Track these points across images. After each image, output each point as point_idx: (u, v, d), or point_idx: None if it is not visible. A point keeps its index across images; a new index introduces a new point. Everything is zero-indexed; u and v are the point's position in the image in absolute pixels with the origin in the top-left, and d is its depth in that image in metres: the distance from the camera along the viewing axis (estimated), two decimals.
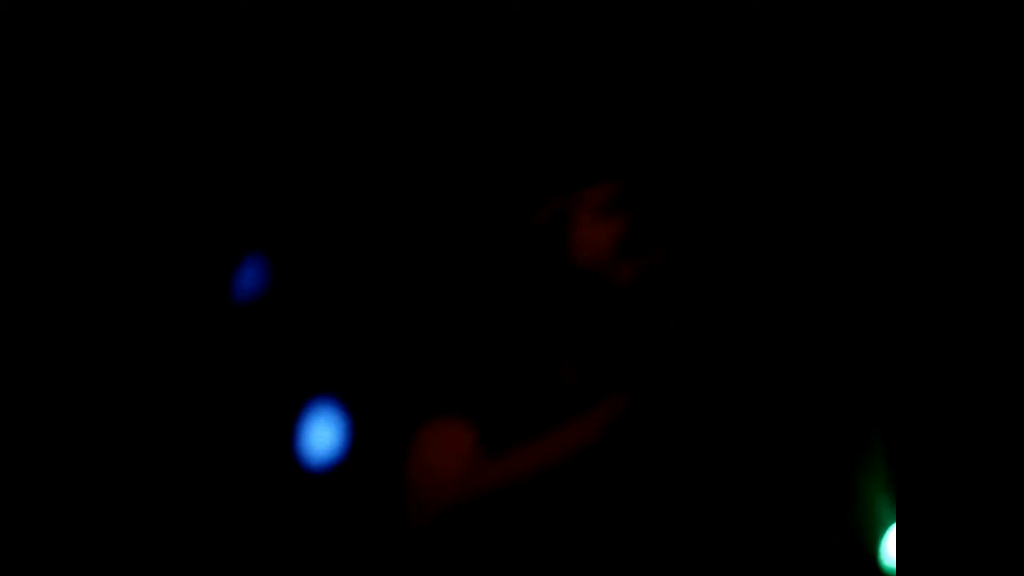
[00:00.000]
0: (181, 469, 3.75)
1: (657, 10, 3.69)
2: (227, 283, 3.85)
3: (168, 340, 3.80)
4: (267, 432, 3.78)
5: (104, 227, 3.77)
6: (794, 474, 3.14)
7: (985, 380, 3.25)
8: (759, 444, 2.54)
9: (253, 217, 3.83)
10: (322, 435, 3.80)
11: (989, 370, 3.12)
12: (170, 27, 3.62)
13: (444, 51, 3.77)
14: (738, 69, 3.72)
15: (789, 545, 2.71)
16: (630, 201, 2.53)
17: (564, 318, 2.51)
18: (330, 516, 3.73)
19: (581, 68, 3.77)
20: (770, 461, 2.62)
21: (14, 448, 3.60)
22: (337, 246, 3.85)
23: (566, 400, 2.47)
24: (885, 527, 3.36)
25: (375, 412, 3.80)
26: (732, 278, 2.99)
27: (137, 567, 3.66)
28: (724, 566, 2.44)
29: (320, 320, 3.85)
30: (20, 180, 3.63)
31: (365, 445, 3.78)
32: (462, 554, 2.33)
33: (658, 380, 2.37)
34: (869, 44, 3.62)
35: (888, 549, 3.33)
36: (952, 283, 3.45)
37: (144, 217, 3.79)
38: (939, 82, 3.35)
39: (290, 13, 3.67)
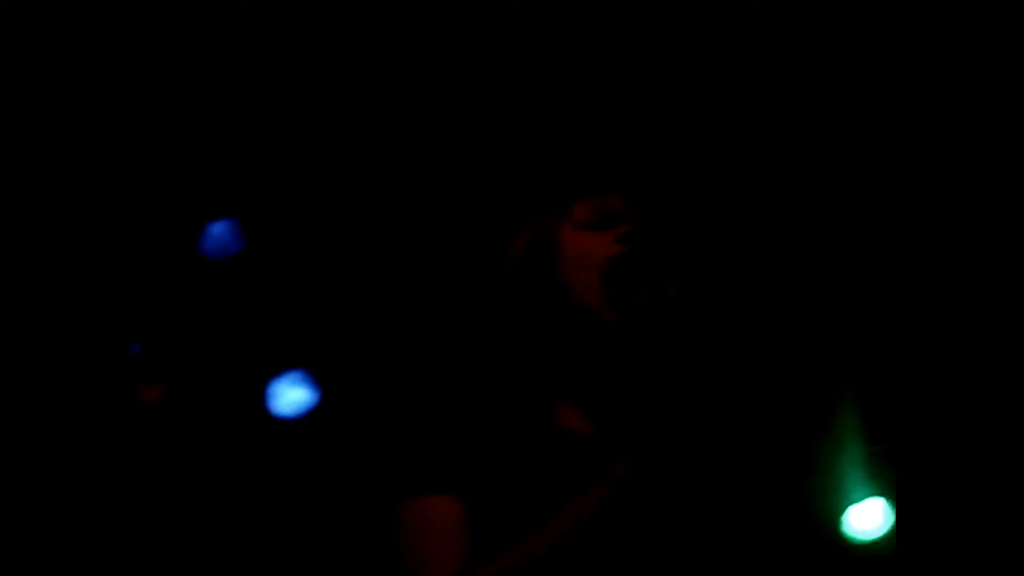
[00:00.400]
0: (151, 418, 3.74)
1: (646, 17, 3.65)
2: (198, 239, 3.84)
3: (139, 293, 3.80)
4: (237, 383, 3.78)
5: (80, 187, 3.76)
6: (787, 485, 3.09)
7: (965, 369, 3.28)
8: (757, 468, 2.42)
9: (233, 180, 3.82)
10: (291, 388, 3.80)
11: (968, 358, 3.15)
12: None
13: (429, 42, 3.75)
14: (730, 75, 3.67)
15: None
16: (621, 214, 2.35)
17: (560, 353, 2.33)
18: (300, 465, 3.73)
19: (565, 76, 3.72)
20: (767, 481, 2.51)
21: None
22: (319, 222, 3.84)
23: (563, 445, 2.31)
24: (851, 500, 3.36)
25: (342, 375, 3.80)
26: (730, 304, 2.65)
27: (110, 516, 3.66)
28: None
29: (291, 285, 3.84)
30: None
31: (333, 401, 3.77)
32: None
33: (661, 445, 2.25)
34: (866, 45, 3.56)
35: (853, 520, 3.33)
36: (930, 276, 3.49)
37: (121, 176, 3.78)
38: (937, 83, 3.38)
39: None
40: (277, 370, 3.83)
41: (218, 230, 3.84)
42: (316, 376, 3.80)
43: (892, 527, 3.26)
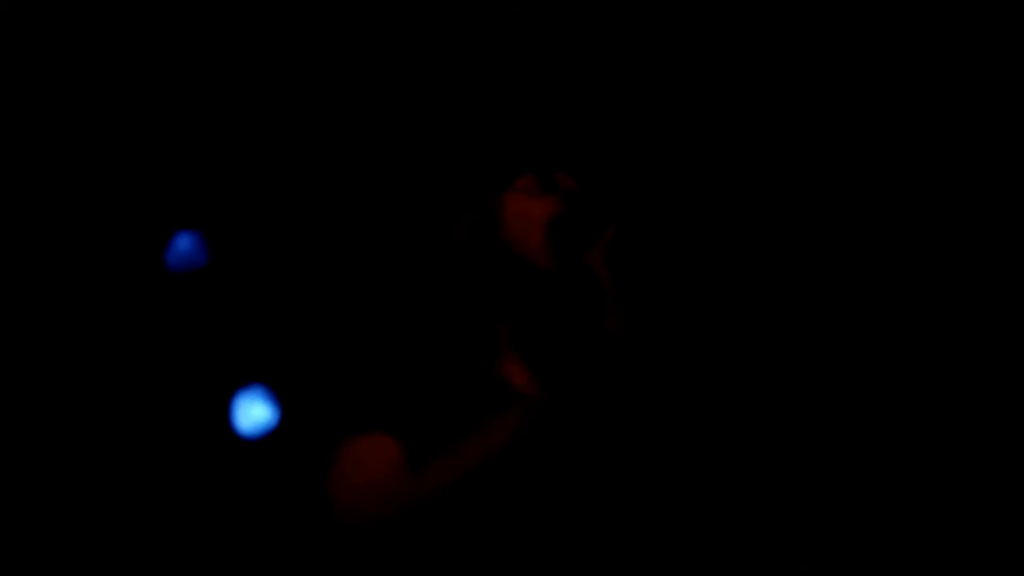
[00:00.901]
0: (111, 433, 3.65)
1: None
2: (162, 252, 3.75)
3: (101, 306, 3.71)
4: (199, 400, 3.66)
5: (42, 198, 3.71)
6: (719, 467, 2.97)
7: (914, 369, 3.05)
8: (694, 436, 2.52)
9: (195, 190, 3.74)
10: (253, 406, 3.66)
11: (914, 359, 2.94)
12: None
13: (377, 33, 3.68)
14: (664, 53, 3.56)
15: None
16: (562, 183, 2.51)
17: (502, 303, 2.47)
18: (261, 485, 3.59)
19: (515, 58, 3.63)
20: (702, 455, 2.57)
21: None
22: (280, 227, 3.74)
23: (502, 395, 2.42)
24: None
25: (304, 392, 3.66)
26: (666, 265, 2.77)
27: (69, 527, 3.56)
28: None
29: (254, 296, 3.72)
30: None
31: (295, 420, 3.63)
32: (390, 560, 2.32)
33: (582, 378, 2.34)
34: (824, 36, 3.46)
35: None
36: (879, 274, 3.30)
37: (83, 186, 3.72)
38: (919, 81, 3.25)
39: None
40: (240, 387, 3.68)
41: (183, 243, 3.73)
42: (279, 394, 3.64)
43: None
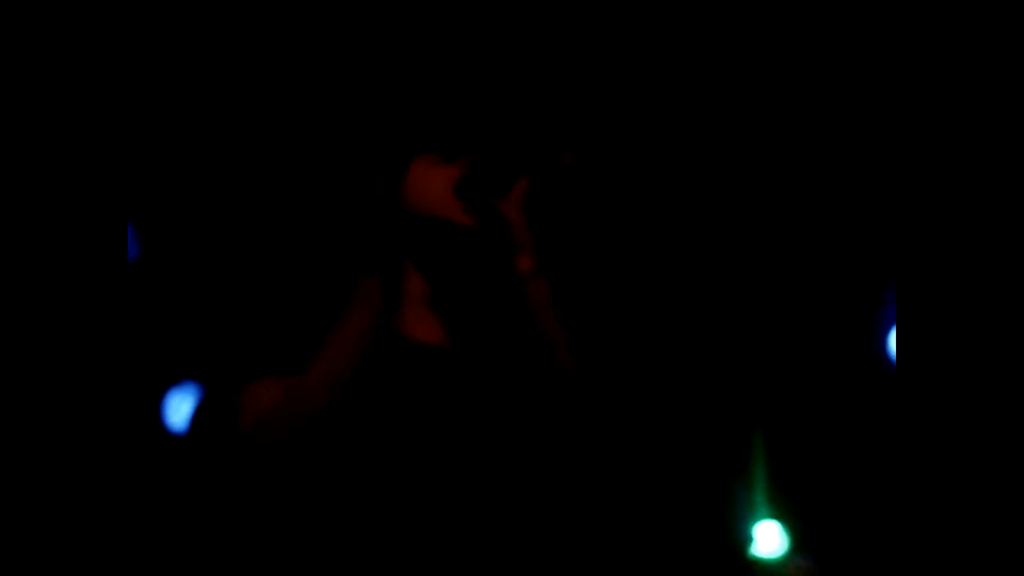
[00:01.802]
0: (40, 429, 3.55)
1: None
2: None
3: (29, 298, 3.52)
4: (130, 396, 3.67)
5: None
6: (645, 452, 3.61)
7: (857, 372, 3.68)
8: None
9: (129, 185, 3.58)
10: (182, 400, 3.75)
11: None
12: None
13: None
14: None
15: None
16: (464, 153, 2.62)
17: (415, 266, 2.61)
18: (191, 476, 3.73)
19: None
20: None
21: None
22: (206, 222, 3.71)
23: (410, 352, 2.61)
24: (756, 519, 3.89)
25: (225, 379, 3.78)
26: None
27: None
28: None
29: (183, 291, 3.72)
30: None
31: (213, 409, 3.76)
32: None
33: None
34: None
35: (760, 541, 3.88)
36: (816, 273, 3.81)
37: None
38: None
39: None
40: (172, 382, 3.74)
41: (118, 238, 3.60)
42: (209, 388, 3.75)
43: (790, 549, 3.87)
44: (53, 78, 3.31)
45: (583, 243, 2.79)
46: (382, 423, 2.52)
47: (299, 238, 3.75)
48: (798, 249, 3.92)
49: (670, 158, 3.88)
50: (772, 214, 3.87)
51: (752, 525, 3.84)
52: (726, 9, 3.78)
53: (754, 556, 3.88)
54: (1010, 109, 2.40)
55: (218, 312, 3.73)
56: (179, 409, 3.69)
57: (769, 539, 3.86)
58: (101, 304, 3.51)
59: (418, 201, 2.59)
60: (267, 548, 2.60)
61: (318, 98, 3.75)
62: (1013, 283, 2.36)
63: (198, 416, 3.70)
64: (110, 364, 3.48)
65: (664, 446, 3.27)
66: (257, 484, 2.58)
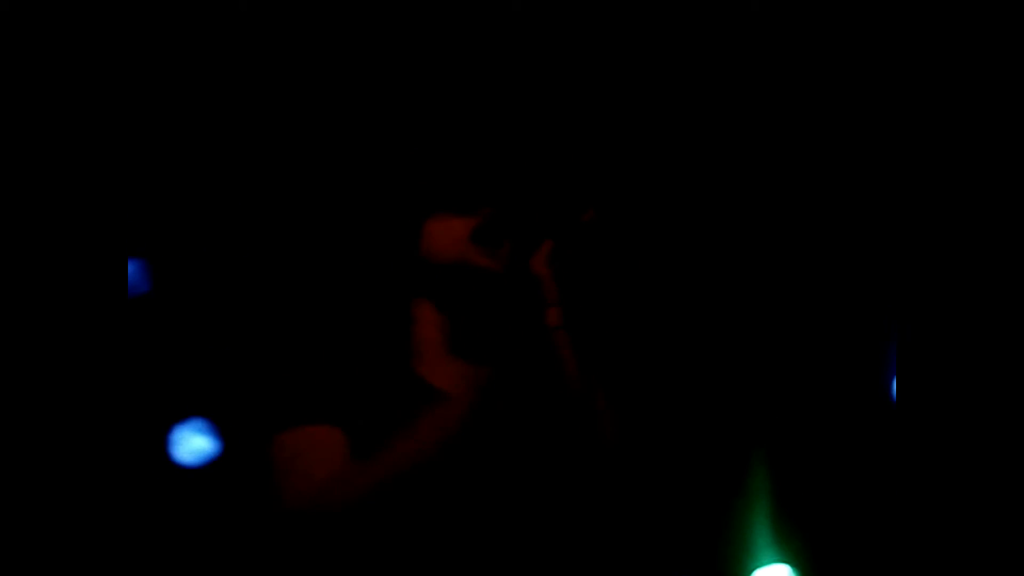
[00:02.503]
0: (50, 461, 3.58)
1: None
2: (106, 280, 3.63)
3: (43, 332, 3.56)
4: (139, 428, 3.70)
5: None
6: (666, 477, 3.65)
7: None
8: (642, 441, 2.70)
9: (137, 218, 3.64)
10: (193, 434, 3.77)
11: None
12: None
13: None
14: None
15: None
16: (480, 204, 2.69)
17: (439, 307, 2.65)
18: (202, 512, 3.75)
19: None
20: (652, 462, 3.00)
21: None
22: (216, 250, 3.75)
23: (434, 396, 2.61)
24: (758, 558, 3.93)
25: (244, 414, 3.80)
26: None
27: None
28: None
29: (194, 322, 3.76)
30: None
31: (235, 445, 3.80)
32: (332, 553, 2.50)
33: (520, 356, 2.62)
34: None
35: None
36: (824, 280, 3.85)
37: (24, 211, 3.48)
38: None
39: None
40: (180, 417, 3.77)
41: (127, 270, 3.66)
42: (218, 425, 3.79)
43: None
44: (75, 99, 3.36)
45: (607, 296, 2.84)
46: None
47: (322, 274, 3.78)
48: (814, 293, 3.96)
49: (688, 211, 3.94)
50: (789, 264, 3.93)
51: (758, 567, 3.87)
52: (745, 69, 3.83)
53: None
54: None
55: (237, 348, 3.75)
56: (187, 444, 3.72)
57: None
58: (115, 332, 3.57)
59: (436, 248, 2.65)
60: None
61: (344, 144, 3.78)
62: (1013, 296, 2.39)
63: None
64: (120, 394, 3.54)
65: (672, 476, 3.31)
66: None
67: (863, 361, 3.91)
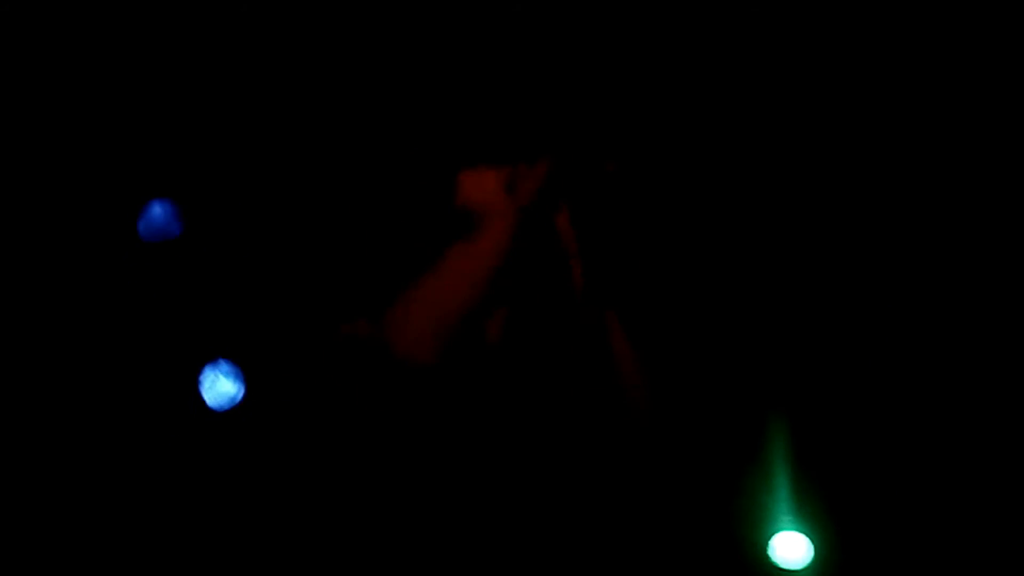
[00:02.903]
0: (80, 405, 3.68)
1: None
2: (135, 222, 3.74)
3: (72, 275, 3.68)
4: (169, 372, 3.76)
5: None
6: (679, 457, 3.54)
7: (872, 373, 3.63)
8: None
9: (169, 159, 3.74)
10: (223, 379, 3.82)
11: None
12: None
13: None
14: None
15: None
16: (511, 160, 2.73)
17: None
18: (231, 456, 3.79)
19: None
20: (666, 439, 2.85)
21: None
22: (253, 198, 3.82)
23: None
24: (776, 525, 3.82)
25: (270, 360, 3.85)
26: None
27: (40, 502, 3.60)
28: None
29: (227, 268, 3.83)
30: None
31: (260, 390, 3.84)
32: None
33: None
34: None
35: (778, 547, 3.80)
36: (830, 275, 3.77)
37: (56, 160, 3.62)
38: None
39: None
40: (209, 360, 3.82)
41: (157, 212, 3.75)
42: (246, 369, 3.83)
43: (816, 559, 3.77)
44: (90, 98, 3.53)
45: (631, 253, 2.85)
46: (404, 442, 2.57)
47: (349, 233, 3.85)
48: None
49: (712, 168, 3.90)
50: (806, 217, 3.86)
51: (773, 533, 3.78)
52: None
53: (774, 567, 3.81)
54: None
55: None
56: (214, 387, 3.80)
57: (792, 549, 3.79)
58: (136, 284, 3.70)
59: (470, 197, 2.70)
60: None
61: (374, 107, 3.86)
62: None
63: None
64: (149, 339, 3.66)
65: (685, 449, 3.29)
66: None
67: (894, 333, 3.80)
